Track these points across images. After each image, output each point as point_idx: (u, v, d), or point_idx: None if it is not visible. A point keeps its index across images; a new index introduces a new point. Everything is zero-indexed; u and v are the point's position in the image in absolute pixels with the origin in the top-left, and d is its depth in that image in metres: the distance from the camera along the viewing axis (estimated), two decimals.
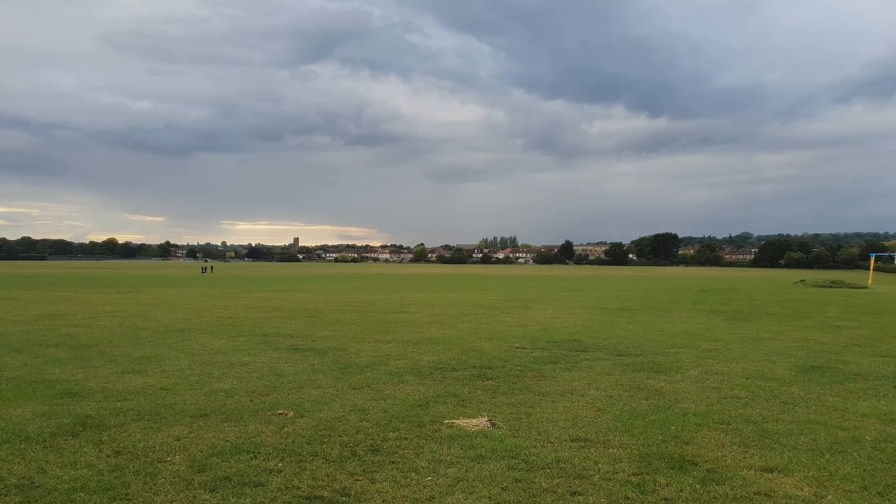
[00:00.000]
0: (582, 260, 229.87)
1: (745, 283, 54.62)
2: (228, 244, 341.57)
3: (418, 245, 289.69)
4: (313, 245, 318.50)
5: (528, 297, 31.49)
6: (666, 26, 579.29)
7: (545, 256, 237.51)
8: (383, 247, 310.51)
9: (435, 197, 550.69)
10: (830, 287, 46.00)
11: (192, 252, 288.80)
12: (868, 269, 75.44)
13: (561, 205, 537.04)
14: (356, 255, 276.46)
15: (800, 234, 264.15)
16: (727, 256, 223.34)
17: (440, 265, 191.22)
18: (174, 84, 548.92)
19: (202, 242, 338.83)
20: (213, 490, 5.10)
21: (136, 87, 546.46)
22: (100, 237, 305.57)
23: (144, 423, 7.00)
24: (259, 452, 5.98)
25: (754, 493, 5.10)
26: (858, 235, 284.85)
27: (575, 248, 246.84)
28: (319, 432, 6.63)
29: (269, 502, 4.91)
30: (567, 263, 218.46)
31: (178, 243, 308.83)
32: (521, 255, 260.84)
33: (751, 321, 19.28)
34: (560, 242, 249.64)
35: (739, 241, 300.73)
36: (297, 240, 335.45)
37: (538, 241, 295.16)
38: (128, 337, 14.35)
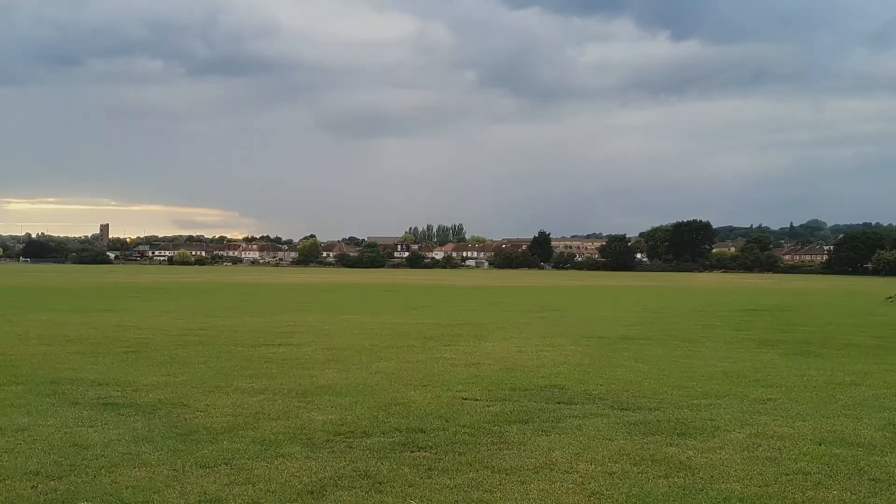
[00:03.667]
0: (565, 262, 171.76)
1: (813, 299, 46.73)
2: None
3: (306, 238, 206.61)
4: (133, 237, 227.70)
5: (483, 320, 26.61)
6: None
7: (508, 256, 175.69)
8: (249, 240, 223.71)
9: (334, 161, 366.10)
10: None
11: None
12: None
13: (533, 176, 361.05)
14: (205, 254, 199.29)
15: None
16: (786, 257, 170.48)
17: (342, 270, 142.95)
18: None
19: None
20: None
21: None
22: None
23: None
24: None
25: None
26: None
27: (554, 243, 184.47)
28: None
29: None
30: (542, 267, 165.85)
31: None
32: (470, 253, 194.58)
33: (823, 357, 16.12)
34: (531, 235, 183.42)
35: (805, 235, 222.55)
36: (106, 228, 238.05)
37: (497, 233, 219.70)
38: None
